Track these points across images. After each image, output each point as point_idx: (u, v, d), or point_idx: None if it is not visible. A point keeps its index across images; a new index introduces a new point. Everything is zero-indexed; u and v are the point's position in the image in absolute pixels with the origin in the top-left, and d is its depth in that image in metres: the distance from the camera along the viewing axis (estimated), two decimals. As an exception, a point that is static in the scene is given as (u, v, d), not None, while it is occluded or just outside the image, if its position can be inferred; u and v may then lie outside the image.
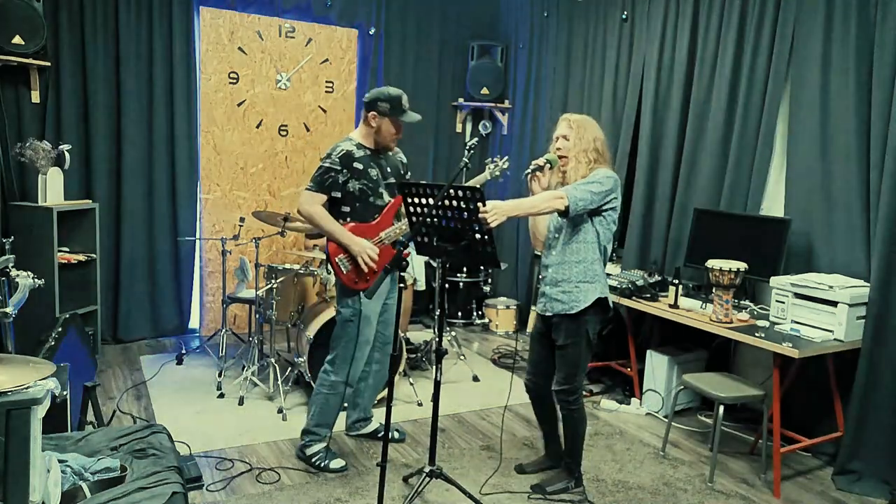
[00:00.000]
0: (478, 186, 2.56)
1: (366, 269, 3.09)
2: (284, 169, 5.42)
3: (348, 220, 3.15)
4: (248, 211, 5.12)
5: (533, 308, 3.30)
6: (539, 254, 3.14)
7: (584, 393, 4.34)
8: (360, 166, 3.13)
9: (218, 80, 5.10)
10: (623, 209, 4.77)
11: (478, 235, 2.61)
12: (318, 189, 3.12)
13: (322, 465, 3.19)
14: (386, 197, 3.22)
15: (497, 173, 3.24)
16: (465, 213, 2.58)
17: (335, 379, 3.21)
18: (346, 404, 3.61)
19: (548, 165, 2.91)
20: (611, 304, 2.98)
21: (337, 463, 3.20)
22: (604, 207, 2.87)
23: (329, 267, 3.19)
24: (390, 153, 3.29)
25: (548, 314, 2.97)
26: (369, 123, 3.14)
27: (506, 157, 3.16)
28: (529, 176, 2.92)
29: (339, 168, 3.10)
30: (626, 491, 3.14)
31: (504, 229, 5.16)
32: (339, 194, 3.13)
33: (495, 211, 2.55)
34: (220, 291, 5.14)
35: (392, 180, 3.25)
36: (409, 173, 3.40)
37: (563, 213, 2.79)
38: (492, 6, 6.17)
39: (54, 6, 4.48)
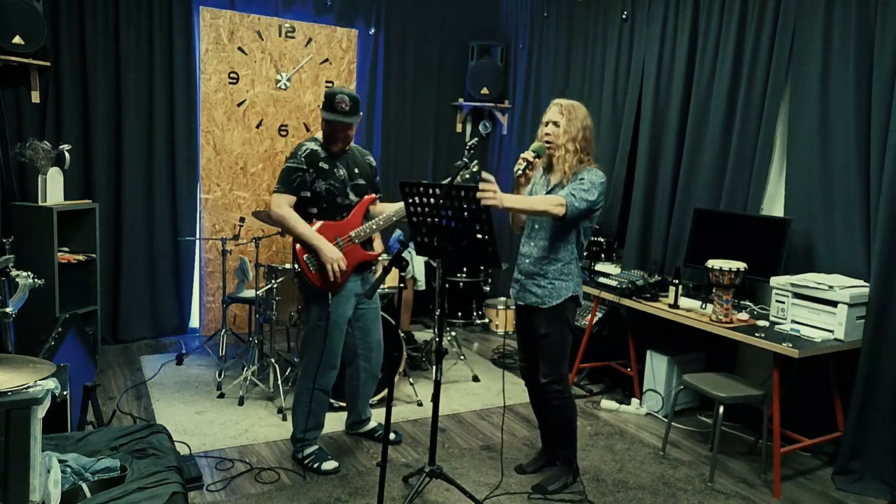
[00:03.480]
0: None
1: (331, 279, 3.04)
2: (284, 169, 5.41)
3: (315, 220, 3.10)
4: (248, 211, 5.12)
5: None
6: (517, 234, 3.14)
7: (584, 393, 4.36)
8: (326, 166, 3.08)
9: (218, 80, 5.10)
10: (623, 209, 4.80)
11: (479, 236, 2.61)
12: (287, 190, 3.05)
13: (315, 466, 3.17)
14: (353, 197, 3.17)
15: (467, 176, 3.05)
16: (467, 213, 2.58)
17: (311, 386, 3.17)
18: (343, 404, 3.62)
19: (536, 158, 2.90)
20: (582, 298, 3.01)
21: (330, 464, 3.18)
22: (593, 209, 2.88)
23: (296, 266, 3.12)
24: (357, 154, 3.25)
25: (520, 303, 3.01)
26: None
27: (476, 161, 3.03)
28: (521, 173, 2.89)
29: (305, 168, 3.05)
30: (626, 491, 3.13)
31: (503, 229, 5.15)
32: (307, 194, 3.08)
33: (497, 195, 2.53)
34: (220, 291, 5.14)
35: (360, 181, 3.20)
36: (378, 177, 3.36)
37: (558, 219, 2.81)
38: (492, 6, 6.17)
39: (54, 6, 4.48)
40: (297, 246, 3.08)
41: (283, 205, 3.04)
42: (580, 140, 2.87)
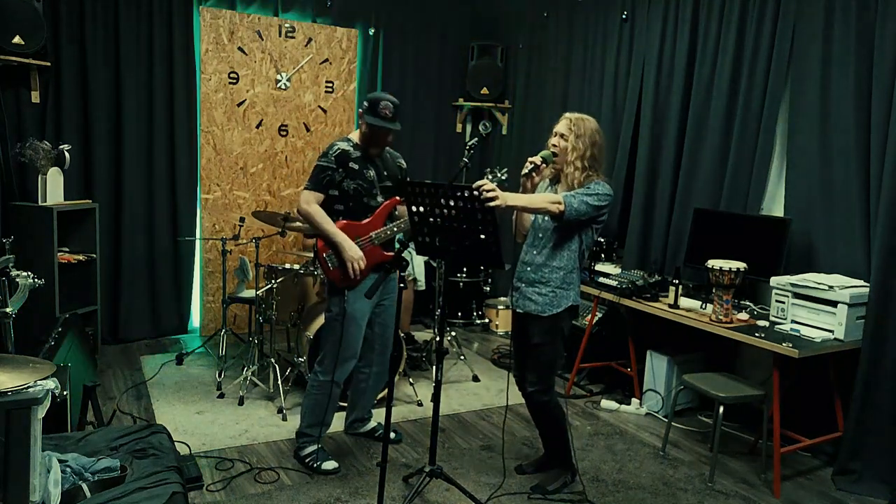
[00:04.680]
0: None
1: (351, 276, 3.11)
2: (284, 169, 5.42)
3: (340, 218, 3.17)
4: (248, 211, 5.12)
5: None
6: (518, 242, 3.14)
7: (584, 393, 4.36)
8: (356, 166, 3.16)
9: (218, 80, 5.10)
10: (623, 209, 4.80)
11: (482, 236, 2.61)
12: (315, 188, 3.15)
13: (315, 465, 3.18)
14: (380, 198, 3.23)
15: (495, 184, 3.01)
16: (469, 213, 2.58)
17: (324, 379, 3.20)
18: (344, 404, 3.62)
19: (543, 164, 2.90)
20: (579, 308, 3.02)
21: (330, 464, 3.19)
22: (595, 220, 2.88)
23: (317, 262, 3.19)
24: (388, 157, 3.30)
25: (519, 310, 3.00)
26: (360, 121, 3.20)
27: (504, 169, 3.05)
28: (526, 173, 2.89)
29: (334, 167, 3.13)
30: (626, 491, 3.13)
31: (504, 230, 5.15)
32: (335, 192, 3.16)
33: (499, 193, 2.54)
34: (220, 291, 5.14)
35: (388, 183, 3.27)
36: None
37: (556, 218, 2.80)
38: (492, 6, 6.16)
39: (54, 6, 4.48)
40: (319, 243, 3.18)
41: (311, 201, 3.14)
42: (588, 157, 2.87)
